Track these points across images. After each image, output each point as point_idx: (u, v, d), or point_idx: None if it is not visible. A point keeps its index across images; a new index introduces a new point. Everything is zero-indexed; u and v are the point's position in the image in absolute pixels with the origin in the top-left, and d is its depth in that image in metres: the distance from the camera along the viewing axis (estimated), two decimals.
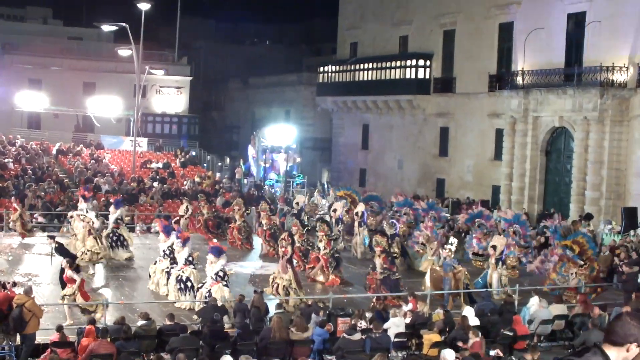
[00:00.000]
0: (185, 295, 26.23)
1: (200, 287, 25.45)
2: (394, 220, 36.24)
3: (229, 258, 27.73)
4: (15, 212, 37.30)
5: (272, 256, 35.58)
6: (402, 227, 36.54)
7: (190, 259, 26.89)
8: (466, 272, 28.11)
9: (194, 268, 26.67)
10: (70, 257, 27.82)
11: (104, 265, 32.01)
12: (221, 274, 25.18)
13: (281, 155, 59.66)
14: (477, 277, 30.79)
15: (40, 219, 41.67)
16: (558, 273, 30.55)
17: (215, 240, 27.78)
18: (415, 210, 39.50)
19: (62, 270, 27.17)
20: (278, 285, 26.95)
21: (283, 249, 27.93)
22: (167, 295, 27.32)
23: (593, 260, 30.42)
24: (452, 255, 28.58)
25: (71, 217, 35.41)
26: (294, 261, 29.32)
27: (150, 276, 28.70)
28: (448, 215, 40.35)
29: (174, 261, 27.90)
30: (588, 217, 40.08)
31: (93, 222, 32.66)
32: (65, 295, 23.61)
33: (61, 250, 28.41)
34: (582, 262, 29.90)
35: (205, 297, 24.57)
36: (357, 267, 33.80)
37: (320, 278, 30.80)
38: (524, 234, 34.45)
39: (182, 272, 26.50)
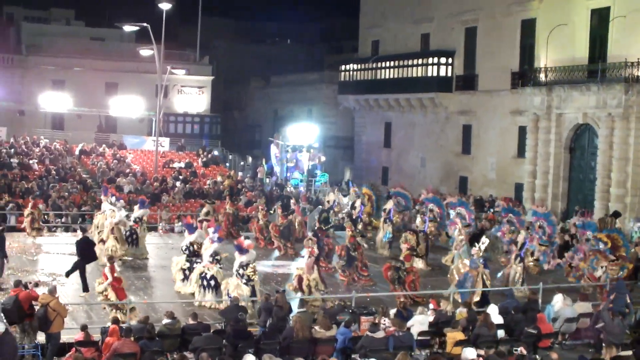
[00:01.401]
0: (208, 293, 26.28)
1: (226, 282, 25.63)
2: (426, 217, 36.10)
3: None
4: (27, 209, 37.47)
5: (291, 253, 36.06)
6: (430, 227, 36.37)
7: (218, 257, 26.92)
8: (487, 273, 27.79)
9: (220, 268, 26.70)
10: (86, 258, 27.85)
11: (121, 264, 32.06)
12: (241, 271, 25.20)
13: (305, 154, 59.58)
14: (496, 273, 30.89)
15: (63, 219, 41.86)
16: (589, 265, 30.32)
17: (242, 238, 27.72)
18: (441, 209, 39.31)
19: (83, 266, 27.33)
20: (302, 281, 26.79)
21: (309, 249, 27.82)
22: (184, 292, 27.56)
23: (626, 260, 30.08)
24: (481, 254, 28.45)
25: (95, 217, 35.59)
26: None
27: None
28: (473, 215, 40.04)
29: (190, 257, 28.09)
30: (616, 214, 39.52)
31: (114, 217, 32.65)
32: (98, 292, 23.94)
33: (82, 244, 28.26)
34: (613, 257, 29.65)
35: (227, 294, 24.69)
36: (379, 266, 33.69)
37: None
38: (550, 233, 34.19)
39: (208, 270, 26.57)
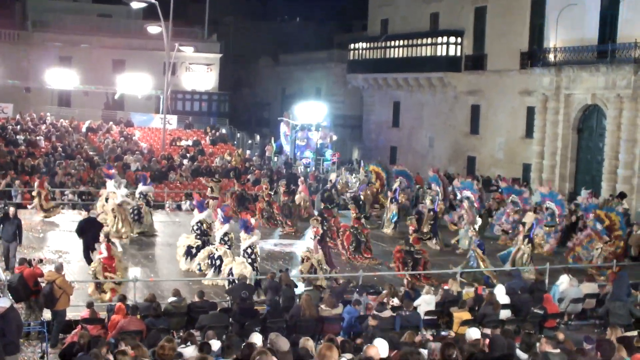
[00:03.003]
0: (211, 271, 26.38)
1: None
2: (436, 197, 36.14)
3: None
4: (35, 189, 37.41)
5: (290, 230, 36.20)
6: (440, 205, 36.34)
7: (226, 238, 26.96)
8: (479, 252, 27.84)
9: (229, 248, 26.73)
10: (86, 237, 27.80)
11: (128, 243, 32.06)
12: (249, 251, 25.28)
13: (316, 133, 59.50)
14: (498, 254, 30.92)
15: (70, 197, 41.84)
16: (583, 247, 30.50)
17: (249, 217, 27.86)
18: (439, 187, 39.42)
19: (87, 246, 27.37)
20: (309, 263, 26.93)
21: (314, 229, 27.88)
22: (186, 269, 27.76)
23: (619, 239, 30.29)
24: (477, 234, 28.56)
25: (100, 195, 35.59)
26: None
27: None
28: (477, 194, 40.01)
29: (201, 237, 28.17)
30: (622, 195, 39.73)
31: (116, 198, 32.55)
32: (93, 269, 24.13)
33: (83, 224, 28.20)
34: (608, 239, 29.86)
35: (230, 273, 24.76)
36: (387, 245, 33.72)
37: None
38: (560, 213, 34.23)
39: (217, 250, 26.65)
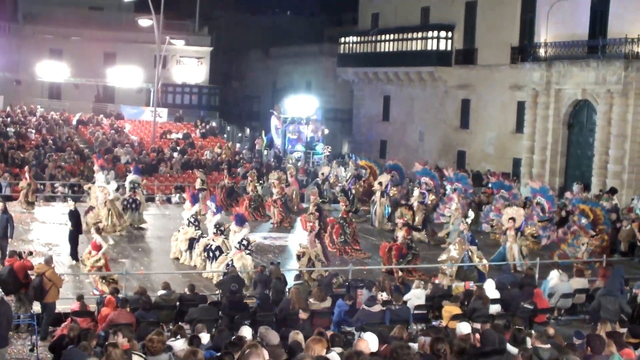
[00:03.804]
0: (210, 264, 26.34)
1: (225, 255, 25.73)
2: (424, 192, 36.11)
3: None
4: (25, 180, 37.18)
5: (285, 225, 35.97)
6: (431, 197, 36.26)
7: (222, 229, 26.98)
8: (473, 250, 27.81)
9: (226, 238, 26.74)
10: (77, 228, 27.87)
11: (121, 236, 31.99)
12: (245, 242, 25.35)
13: (308, 127, 59.42)
14: (492, 249, 30.86)
15: (60, 189, 41.73)
16: (569, 244, 30.57)
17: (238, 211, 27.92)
18: (434, 180, 39.31)
19: (76, 236, 27.37)
20: (307, 258, 26.86)
21: (311, 224, 27.85)
22: (189, 263, 27.60)
23: (603, 232, 30.45)
24: (468, 229, 28.55)
25: (89, 188, 35.46)
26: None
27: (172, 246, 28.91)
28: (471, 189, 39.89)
29: (198, 228, 28.18)
30: (612, 191, 39.80)
31: (108, 194, 32.47)
32: (91, 265, 23.94)
33: (76, 215, 28.24)
34: (593, 233, 29.96)
35: (227, 266, 24.70)
36: (376, 239, 33.72)
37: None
38: (549, 208, 34.27)
39: (213, 241, 26.68)
